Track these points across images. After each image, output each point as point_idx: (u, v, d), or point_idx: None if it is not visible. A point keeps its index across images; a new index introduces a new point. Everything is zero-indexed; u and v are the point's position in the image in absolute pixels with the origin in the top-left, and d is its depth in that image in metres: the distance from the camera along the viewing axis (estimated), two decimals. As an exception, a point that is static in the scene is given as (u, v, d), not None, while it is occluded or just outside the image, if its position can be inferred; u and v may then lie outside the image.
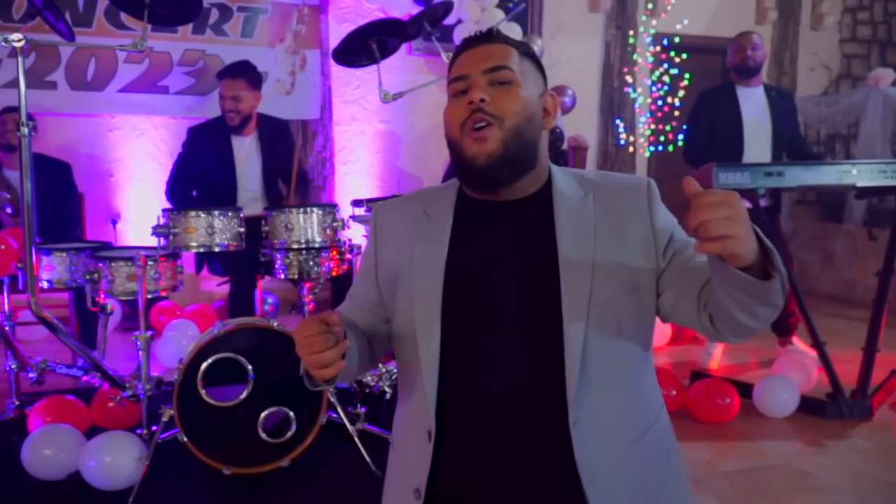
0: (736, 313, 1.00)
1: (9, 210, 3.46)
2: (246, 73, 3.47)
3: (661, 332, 4.35)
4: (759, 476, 2.61)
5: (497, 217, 1.17)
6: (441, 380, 1.12)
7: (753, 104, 3.90)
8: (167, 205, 4.76)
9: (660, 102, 5.56)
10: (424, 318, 1.13)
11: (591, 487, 1.06)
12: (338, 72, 5.11)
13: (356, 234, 3.15)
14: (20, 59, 2.34)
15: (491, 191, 1.17)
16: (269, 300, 4.56)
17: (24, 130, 2.32)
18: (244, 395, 2.43)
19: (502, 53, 1.16)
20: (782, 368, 3.44)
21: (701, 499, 2.43)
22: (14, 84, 4.45)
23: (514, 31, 5.18)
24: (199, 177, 3.52)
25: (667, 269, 1.13)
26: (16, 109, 3.55)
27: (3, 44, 2.39)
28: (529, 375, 1.09)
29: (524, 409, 1.09)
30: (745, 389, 3.23)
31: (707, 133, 3.91)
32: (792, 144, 3.94)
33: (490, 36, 1.19)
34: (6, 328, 2.94)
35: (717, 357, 3.95)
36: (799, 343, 3.97)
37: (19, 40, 2.31)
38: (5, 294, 2.99)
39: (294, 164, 3.43)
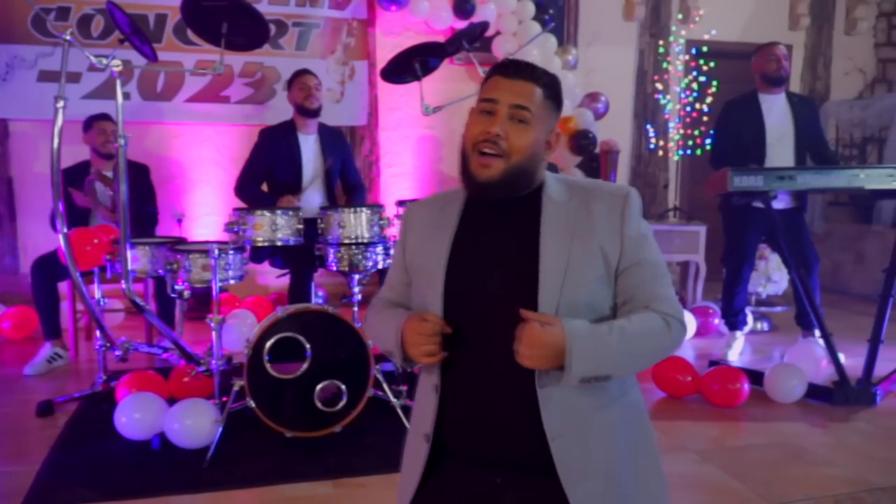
0: None
1: (108, 205, 3.90)
2: (315, 73, 4.03)
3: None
4: (761, 451, 2.87)
5: (493, 215, 1.42)
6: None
7: (776, 111, 4.10)
8: (227, 205, 5.23)
9: (689, 108, 5.78)
10: (431, 300, 1.40)
11: (553, 443, 1.30)
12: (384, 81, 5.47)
13: (400, 232, 3.52)
14: (118, 81, 2.75)
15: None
16: (319, 293, 4.96)
17: (122, 141, 2.73)
18: (303, 369, 2.80)
19: (530, 94, 1.34)
20: (794, 357, 3.68)
21: (706, 468, 2.72)
22: (94, 95, 4.99)
23: (549, 42, 5.47)
24: (268, 173, 3.91)
25: (619, 274, 1.37)
26: (104, 118, 4.04)
27: (99, 64, 2.80)
28: (510, 349, 1.32)
29: (504, 374, 1.34)
30: (757, 377, 3.48)
31: (732, 140, 4.13)
32: (815, 148, 4.13)
33: (527, 72, 1.35)
34: (97, 312, 3.37)
35: (736, 349, 4.19)
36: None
37: (118, 65, 2.73)
38: (97, 283, 3.42)
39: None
